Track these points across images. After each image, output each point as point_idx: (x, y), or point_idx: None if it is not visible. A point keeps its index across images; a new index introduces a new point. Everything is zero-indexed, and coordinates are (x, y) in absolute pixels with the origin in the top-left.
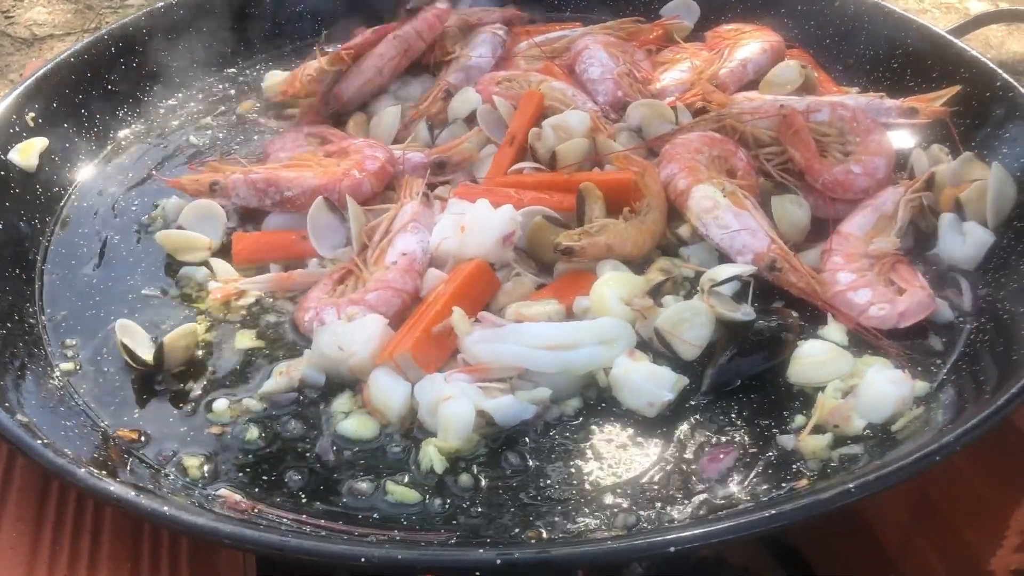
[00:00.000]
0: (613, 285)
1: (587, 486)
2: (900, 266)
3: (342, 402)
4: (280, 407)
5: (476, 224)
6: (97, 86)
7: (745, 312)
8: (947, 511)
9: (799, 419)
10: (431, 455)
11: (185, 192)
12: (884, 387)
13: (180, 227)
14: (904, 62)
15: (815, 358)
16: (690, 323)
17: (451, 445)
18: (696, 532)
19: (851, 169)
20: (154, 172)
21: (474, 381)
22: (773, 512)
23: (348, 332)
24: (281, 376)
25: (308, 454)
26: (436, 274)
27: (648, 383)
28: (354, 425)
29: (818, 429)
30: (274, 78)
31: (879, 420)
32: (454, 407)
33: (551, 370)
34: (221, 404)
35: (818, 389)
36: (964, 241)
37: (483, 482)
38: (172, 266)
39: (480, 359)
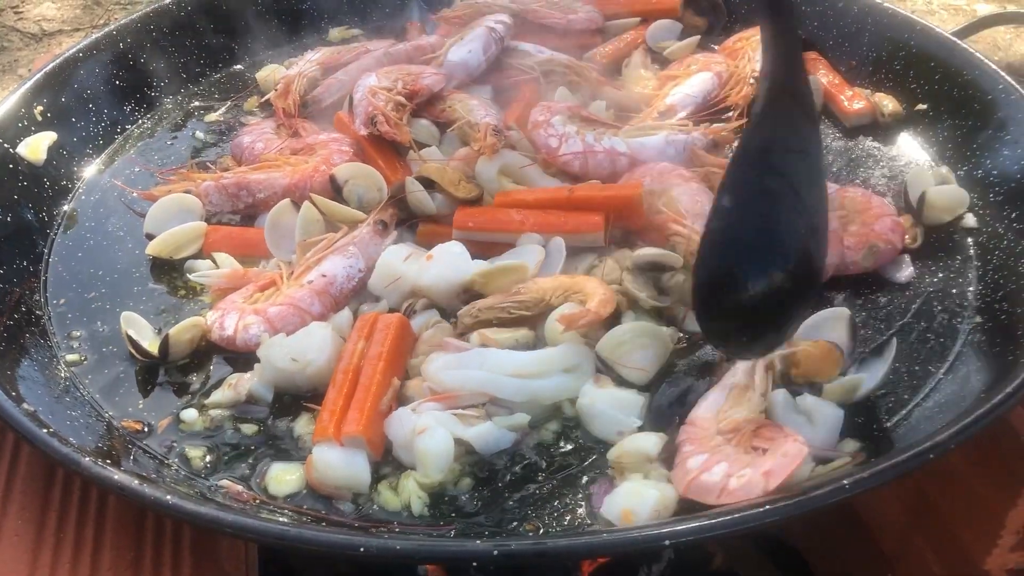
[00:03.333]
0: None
1: (583, 480)
2: (763, 429)
3: (303, 425)
4: (252, 413)
5: (445, 261)
6: (105, 81)
7: (652, 297)
8: (944, 510)
9: None
10: (411, 491)
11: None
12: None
13: (150, 235)
14: (907, 63)
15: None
16: (631, 345)
17: (433, 479)
18: (691, 526)
19: None
20: (158, 172)
21: (445, 409)
22: (768, 507)
23: (297, 344)
24: (229, 388)
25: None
26: (346, 319)
27: (614, 411)
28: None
29: None
30: (267, 71)
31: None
32: (431, 439)
33: (518, 399)
34: (191, 414)
35: None
36: (811, 423)
37: (480, 480)
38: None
39: (445, 385)
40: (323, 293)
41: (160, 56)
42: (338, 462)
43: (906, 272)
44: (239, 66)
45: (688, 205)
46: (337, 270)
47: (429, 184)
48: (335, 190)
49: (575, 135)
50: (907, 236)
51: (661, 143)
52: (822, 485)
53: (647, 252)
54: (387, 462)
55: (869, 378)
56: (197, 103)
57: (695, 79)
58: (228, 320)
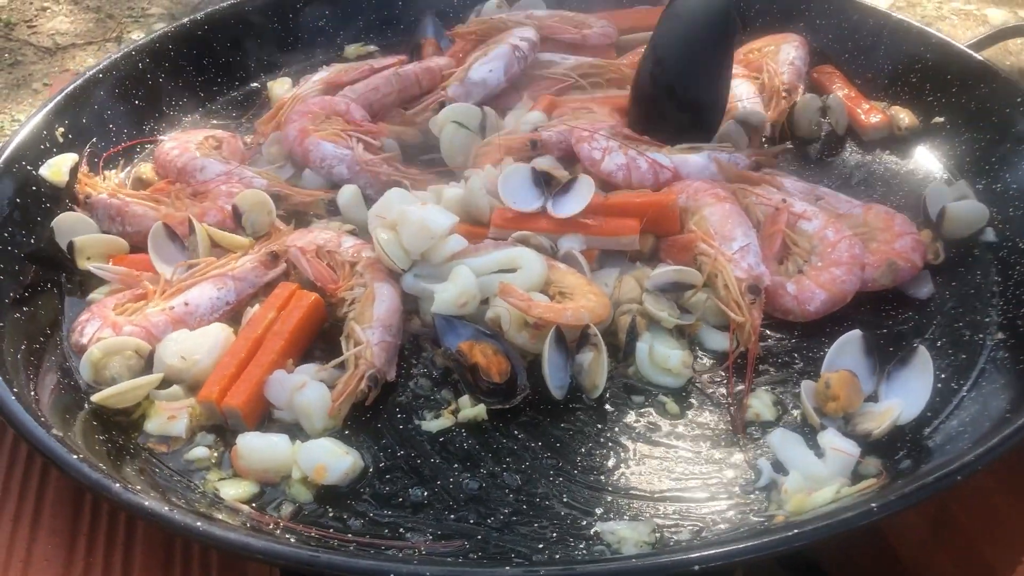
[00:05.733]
0: None
1: (607, 496)
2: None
3: (202, 458)
4: None
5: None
6: (124, 101)
7: (673, 315)
8: (967, 526)
9: None
10: (298, 491)
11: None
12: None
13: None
14: (923, 76)
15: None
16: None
17: (317, 428)
18: (720, 551)
19: (785, 285)
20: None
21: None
22: (796, 531)
23: (191, 342)
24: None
25: None
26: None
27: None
28: (236, 491)
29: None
30: (279, 85)
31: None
32: (309, 393)
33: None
34: (201, 452)
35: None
36: (822, 459)
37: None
38: None
39: None
40: (179, 323)
41: (178, 75)
42: (262, 447)
43: (925, 289)
44: (256, 84)
45: (718, 226)
46: (203, 300)
47: None
48: (236, 219)
49: (618, 148)
50: (928, 252)
51: (703, 161)
52: (849, 508)
53: (666, 271)
54: None
55: (908, 409)
56: (215, 121)
57: (745, 90)
58: (88, 328)
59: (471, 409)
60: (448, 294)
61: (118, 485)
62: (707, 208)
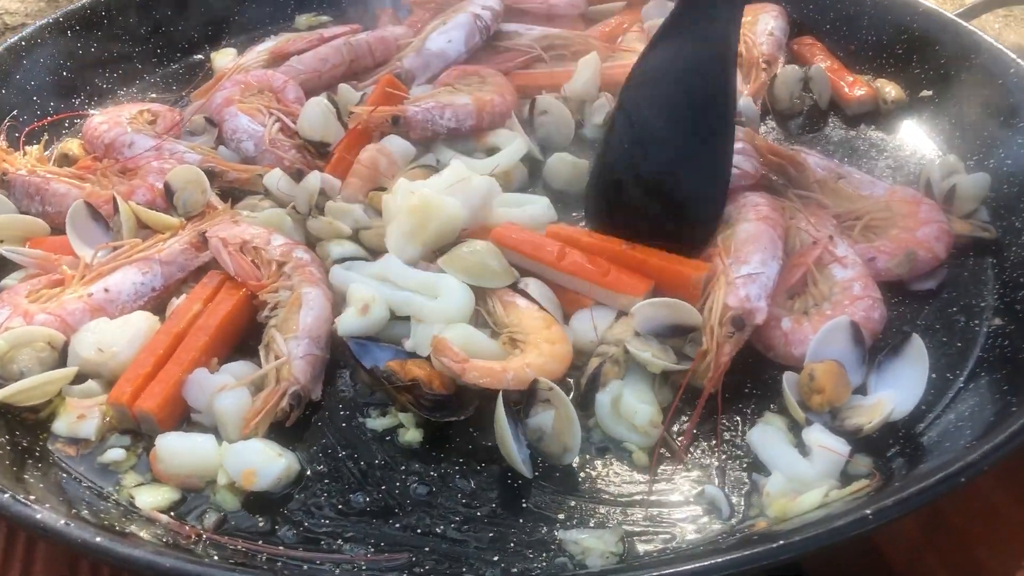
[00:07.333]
0: None
1: (571, 500)
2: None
3: (119, 461)
4: None
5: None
6: (51, 72)
7: (662, 357)
8: (961, 528)
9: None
10: (224, 498)
11: None
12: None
13: None
14: (910, 47)
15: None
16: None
17: (234, 438)
18: (696, 566)
19: (781, 320)
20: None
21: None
22: (783, 543)
23: (108, 333)
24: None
25: None
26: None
27: None
28: (154, 498)
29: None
30: (223, 56)
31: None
32: (227, 400)
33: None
34: (117, 454)
35: None
36: (808, 458)
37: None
38: None
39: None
40: (98, 311)
41: (113, 44)
42: (184, 449)
43: (931, 281)
44: (199, 56)
45: (739, 245)
46: (125, 286)
47: None
48: (167, 197)
49: None
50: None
51: None
52: (841, 515)
53: (660, 308)
54: None
55: (901, 403)
56: (154, 95)
57: None
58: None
59: (409, 433)
60: (347, 312)
61: (7, 495)
62: (742, 224)
